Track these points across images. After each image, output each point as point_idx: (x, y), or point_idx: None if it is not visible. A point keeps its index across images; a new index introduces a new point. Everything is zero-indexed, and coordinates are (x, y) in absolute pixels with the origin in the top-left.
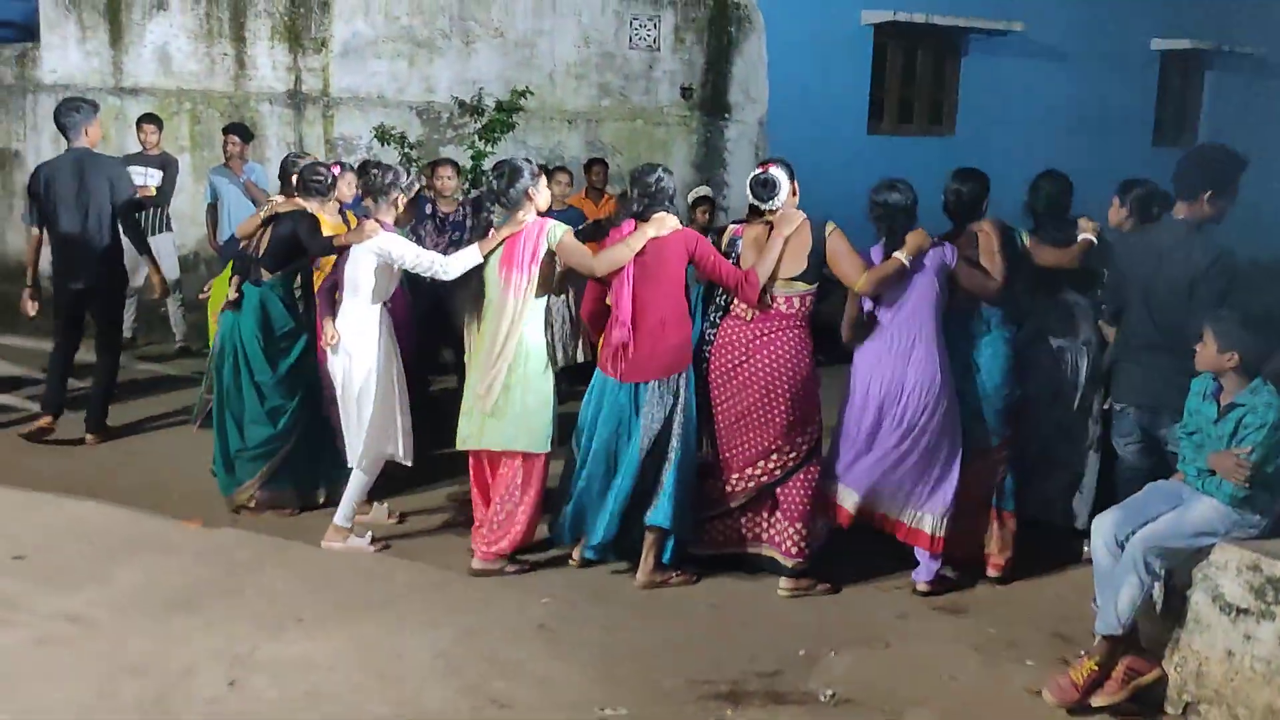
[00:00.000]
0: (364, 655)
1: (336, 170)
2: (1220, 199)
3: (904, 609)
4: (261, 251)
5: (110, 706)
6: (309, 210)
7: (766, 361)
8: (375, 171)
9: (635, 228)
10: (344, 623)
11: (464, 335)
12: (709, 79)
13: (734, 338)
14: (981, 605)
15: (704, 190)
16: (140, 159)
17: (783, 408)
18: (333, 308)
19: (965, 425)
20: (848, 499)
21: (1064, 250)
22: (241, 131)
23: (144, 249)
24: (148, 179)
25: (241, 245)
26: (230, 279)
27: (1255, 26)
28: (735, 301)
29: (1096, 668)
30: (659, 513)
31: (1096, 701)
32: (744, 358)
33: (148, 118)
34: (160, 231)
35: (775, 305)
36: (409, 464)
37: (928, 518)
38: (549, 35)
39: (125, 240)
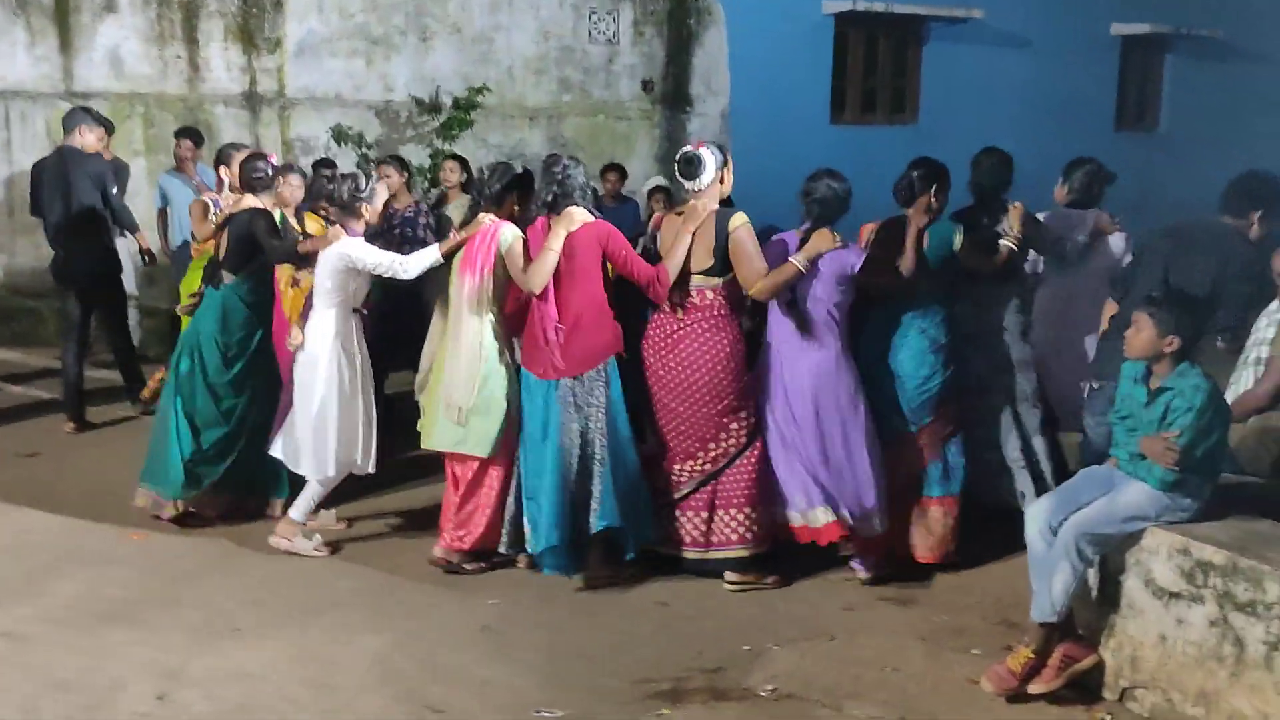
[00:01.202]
0: (299, 664)
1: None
2: (1267, 220)
3: (851, 601)
4: (221, 254)
5: None
6: (262, 208)
7: (686, 355)
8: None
9: (547, 224)
10: (282, 632)
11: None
12: (670, 72)
13: (659, 331)
14: (931, 595)
15: (659, 180)
16: None
17: (707, 398)
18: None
19: (883, 414)
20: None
21: (988, 259)
22: (194, 135)
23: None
24: None
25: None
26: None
27: (1214, 10)
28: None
29: (1034, 655)
30: (605, 513)
31: (1034, 689)
32: (667, 351)
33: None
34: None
35: (690, 300)
36: (372, 472)
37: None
38: (507, 30)
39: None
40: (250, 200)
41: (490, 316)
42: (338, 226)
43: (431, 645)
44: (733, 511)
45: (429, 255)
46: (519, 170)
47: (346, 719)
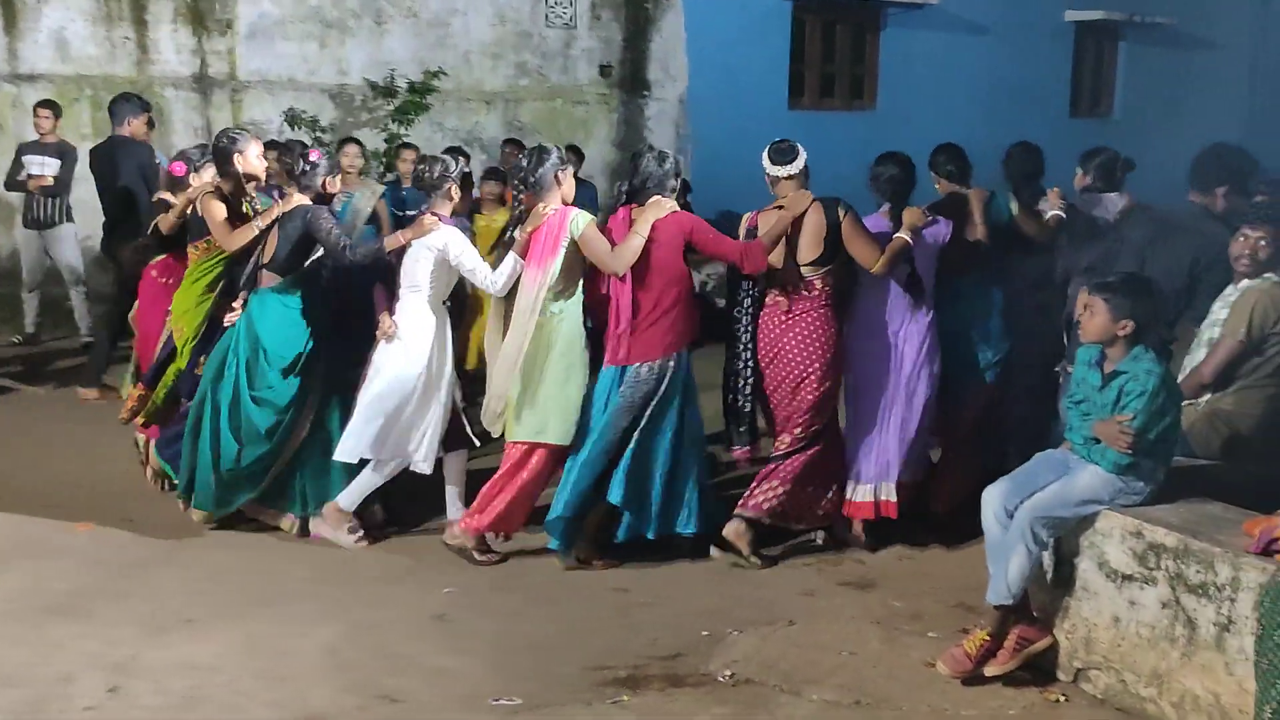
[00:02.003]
0: (251, 655)
1: (316, 155)
2: (1233, 195)
3: (810, 586)
4: (269, 256)
5: None
6: (321, 206)
7: (799, 341)
8: (422, 166)
9: (630, 214)
10: (233, 622)
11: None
12: (628, 56)
13: (771, 321)
14: (889, 580)
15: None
16: (36, 148)
17: (814, 383)
18: (390, 301)
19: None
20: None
21: (1043, 225)
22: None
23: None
24: (44, 168)
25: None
26: (203, 283)
27: None
28: (771, 290)
29: (989, 638)
30: (613, 490)
31: (989, 671)
32: (780, 338)
33: (43, 103)
34: (60, 222)
35: (801, 289)
36: (427, 473)
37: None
38: (463, 14)
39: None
40: (300, 198)
41: (564, 304)
42: (433, 216)
43: (385, 635)
44: (775, 485)
45: (512, 265)
46: (562, 151)
47: (298, 710)
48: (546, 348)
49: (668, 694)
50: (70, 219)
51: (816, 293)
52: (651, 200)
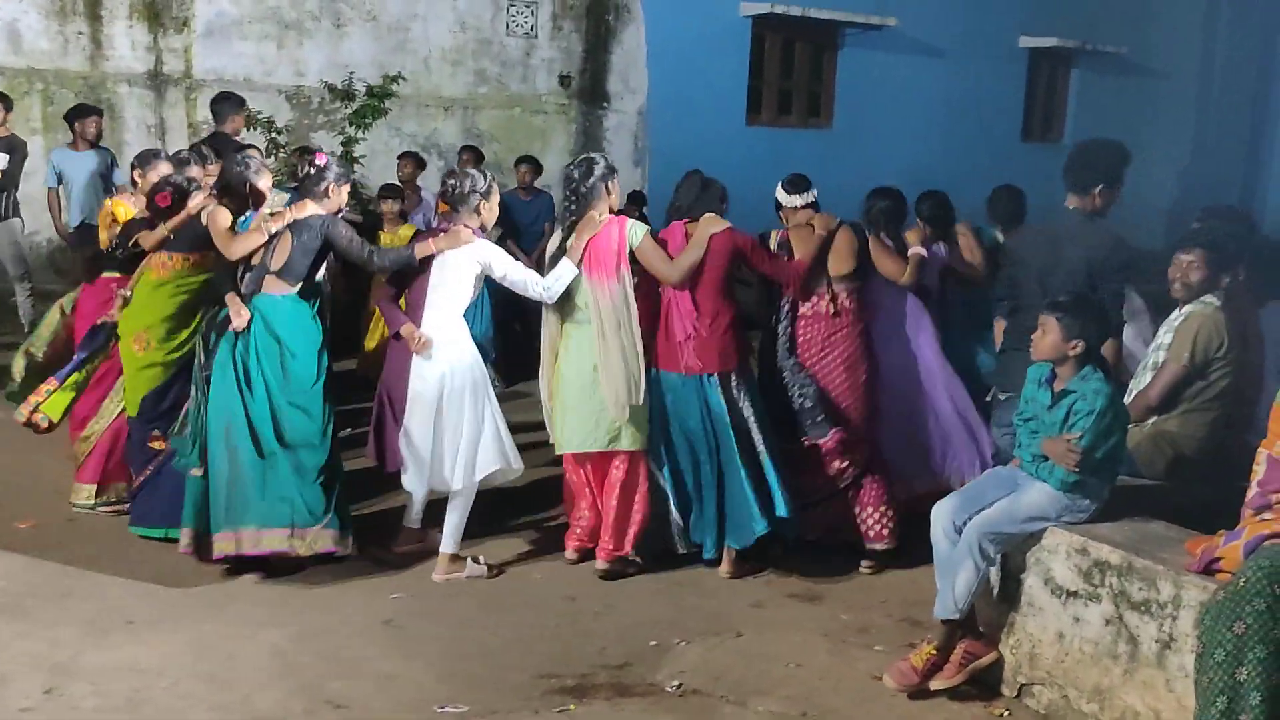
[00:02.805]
0: (195, 658)
1: (323, 159)
2: (1110, 191)
3: (759, 598)
4: (281, 264)
5: None
6: (336, 214)
7: (845, 355)
8: (453, 181)
9: (685, 228)
10: (179, 625)
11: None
12: (588, 67)
13: (813, 334)
14: (837, 593)
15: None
16: None
17: (865, 393)
18: (395, 314)
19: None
20: (921, 485)
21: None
22: (95, 112)
23: None
24: None
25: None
26: (180, 299)
27: (1118, 26)
28: (806, 302)
29: (935, 652)
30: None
31: (935, 685)
32: (826, 352)
33: None
34: (7, 217)
35: (841, 303)
36: (458, 489)
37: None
38: (423, 20)
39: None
40: (313, 206)
41: (632, 313)
42: (465, 228)
43: (334, 639)
44: (881, 509)
45: (567, 270)
46: (609, 161)
47: (243, 714)
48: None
49: (614, 703)
50: (17, 214)
51: (848, 309)
52: (707, 216)
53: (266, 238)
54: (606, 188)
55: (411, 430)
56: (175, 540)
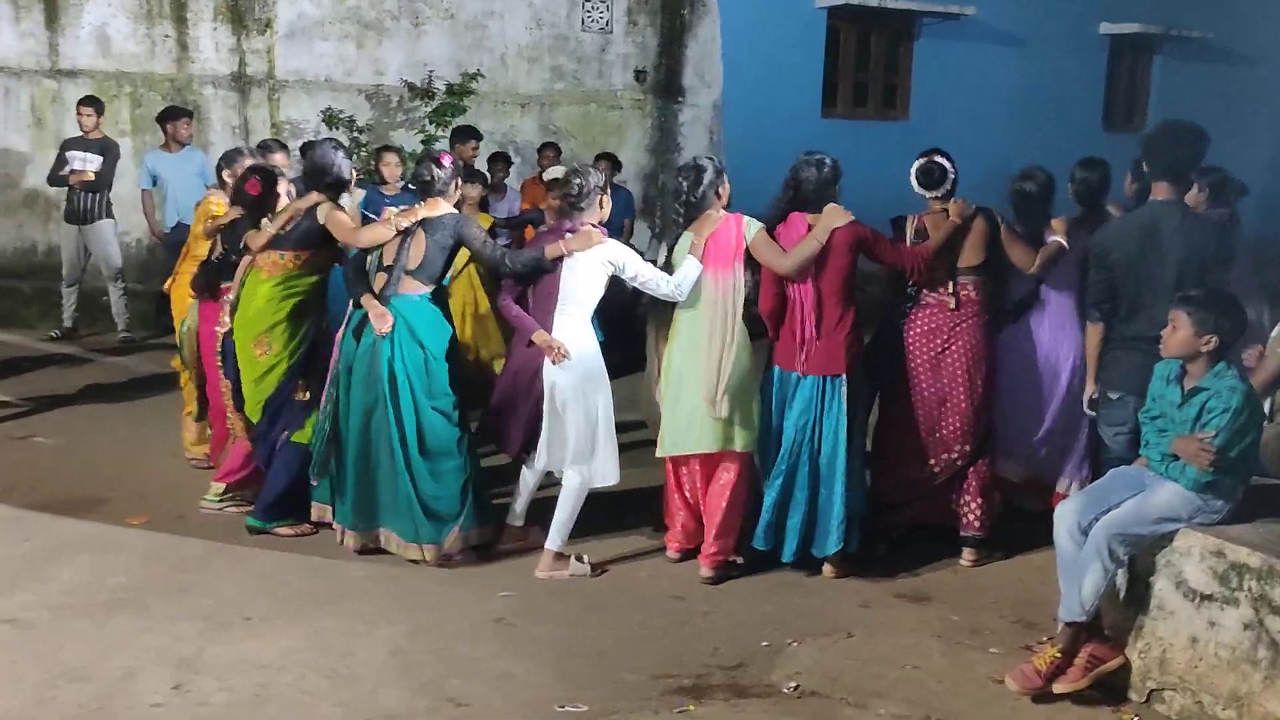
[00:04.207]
0: (314, 654)
1: (448, 160)
2: (1203, 177)
3: (866, 597)
4: (417, 263)
5: (49, 714)
6: (465, 214)
7: (965, 348)
8: (577, 180)
9: (807, 220)
10: (293, 620)
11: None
12: (663, 62)
13: (928, 325)
14: (945, 593)
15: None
16: (79, 143)
17: (982, 388)
18: (526, 321)
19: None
20: (1013, 472)
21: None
22: (185, 113)
23: None
24: (87, 164)
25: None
26: (293, 301)
27: (1202, 11)
28: (931, 291)
29: (1059, 655)
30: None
31: (1059, 688)
32: (945, 345)
33: (86, 100)
34: (100, 218)
35: (965, 294)
36: (615, 481)
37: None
38: (500, 17)
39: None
40: (445, 205)
41: (738, 309)
42: (595, 228)
43: (448, 637)
44: (969, 499)
45: (693, 269)
46: (718, 162)
47: (368, 711)
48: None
49: (733, 705)
50: (110, 214)
51: (972, 299)
52: (830, 207)
53: (395, 232)
54: (717, 192)
55: (545, 418)
56: (287, 531)
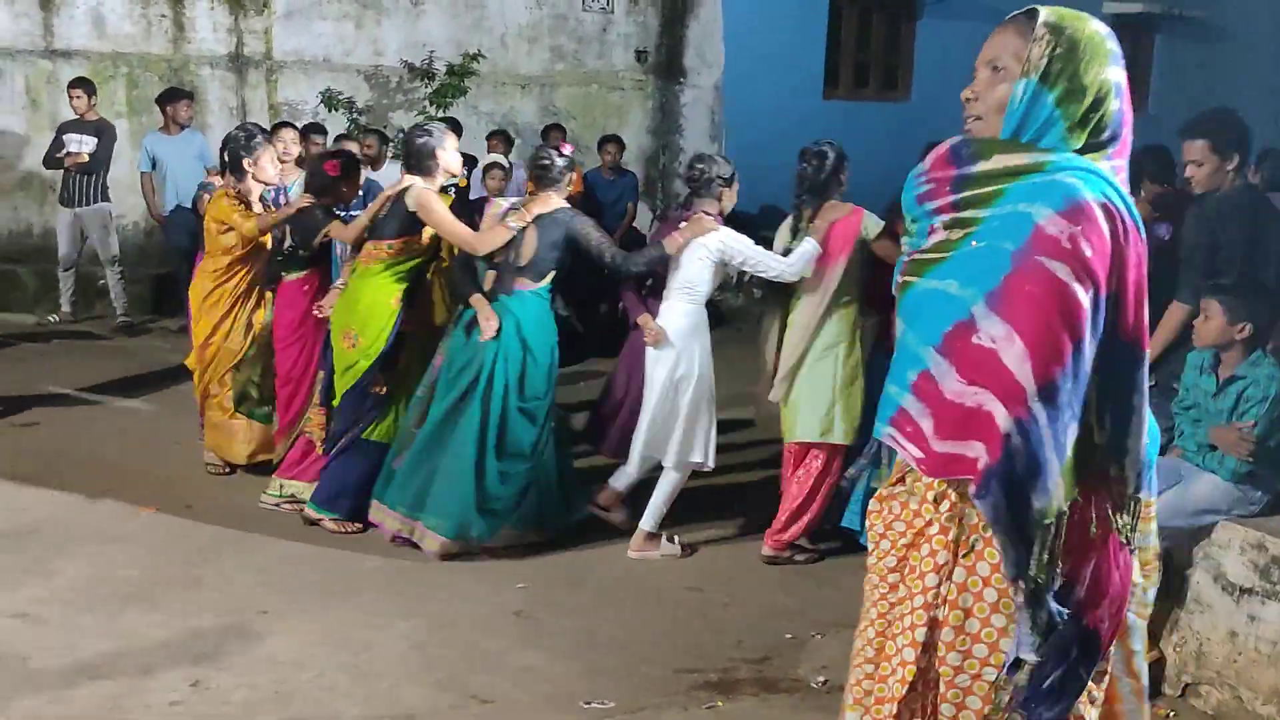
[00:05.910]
0: (332, 649)
1: (568, 149)
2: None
3: None
4: (527, 260)
5: (67, 712)
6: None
7: None
8: (701, 165)
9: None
10: (310, 614)
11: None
12: (664, 42)
13: None
14: None
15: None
16: (75, 125)
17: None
18: (643, 304)
19: None
20: None
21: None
22: (185, 95)
23: None
24: (82, 146)
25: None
26: (397, 287)
27: None
28: None
29: None
30: None
31: None
32: None
33: (77, 82)
34: (96, 201)
35: None
36: (711, 467)
37: None
38: None
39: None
40: (556, 200)
41: (851, 302)
42: (706, 215)
43: (466, 631)
44: None
45: (810, 249)
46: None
47: (391, 707)
48: (833, 345)
49: (762, 699)
50: (107, 198)
51: None
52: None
53: (513, 233)
54: (839, 179)
55: (646, 408)
56: (334, 526)
